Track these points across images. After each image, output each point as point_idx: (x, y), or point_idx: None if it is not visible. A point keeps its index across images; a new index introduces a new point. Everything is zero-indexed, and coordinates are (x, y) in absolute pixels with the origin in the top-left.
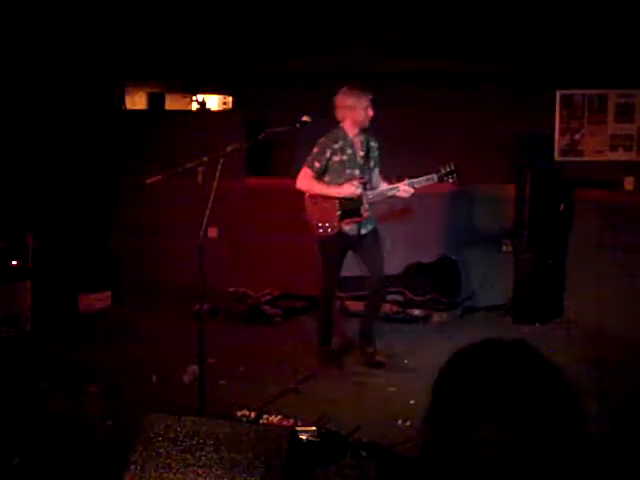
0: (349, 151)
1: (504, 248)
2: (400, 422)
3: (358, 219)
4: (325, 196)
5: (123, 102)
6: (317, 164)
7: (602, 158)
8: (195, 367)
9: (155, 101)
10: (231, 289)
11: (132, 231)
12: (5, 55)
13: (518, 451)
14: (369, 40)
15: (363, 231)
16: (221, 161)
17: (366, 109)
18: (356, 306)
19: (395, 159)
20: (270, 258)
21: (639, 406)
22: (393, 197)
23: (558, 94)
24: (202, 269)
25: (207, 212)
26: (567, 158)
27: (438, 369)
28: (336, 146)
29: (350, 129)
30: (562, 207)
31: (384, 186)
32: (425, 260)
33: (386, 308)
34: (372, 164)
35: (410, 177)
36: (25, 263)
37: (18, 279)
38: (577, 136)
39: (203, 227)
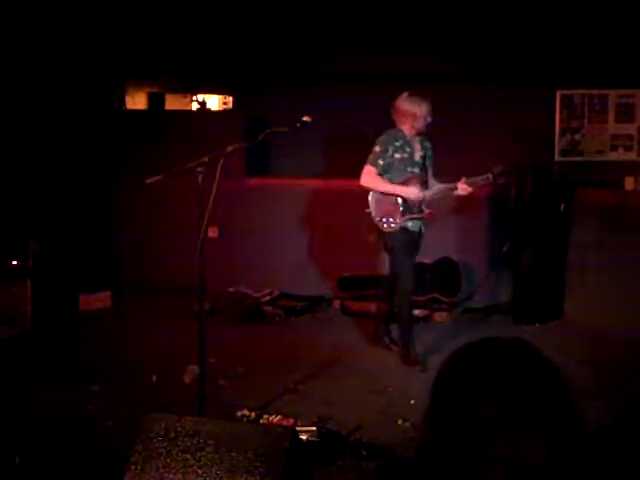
0: (408, 150)
1: (504, 248)
2: (400, 422)
3: (419, 216)
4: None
5: (123, 102)
6: (381, 162)
7: (602, 158)
8: (195, 367)
9: (155, 101)
10: (231, 289)
11: (132, 231)
12: (5, 56)
13: (518, 450)
14: (369, 40)
15: (423, 229)
16: (221, 161)
17: (426, 117)
18: (356, 306)
19: None
20: (270, 258)
21: (639, 406)
22: (449, 196)
23: (558, 94)
24: (202, 269)
25: (207, 212)
26: (567, 158)
27: (438, 369)
28: (397, 144)
29: (408, 130)
30: (562, 207)
31: (439, 185)
32: (426, 260)
33: (386, 308)
34: (428, 163)
35: (466, 177)
36: (25, 263)
37: (18, 279)
38: (577, 136)
39: (203, 227)
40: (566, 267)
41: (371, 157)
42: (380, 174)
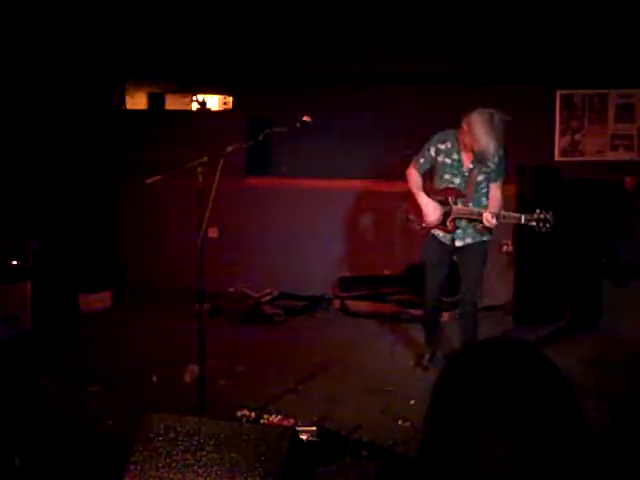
0: (455, 157)
1: (504, 248)
2: (400, 422)
3: (443, 228)
4: None
5: (123, 102)
6: (421, 160)
7: (602, 158)
8: (195, 367)
9: (155, 101)
10: (231, 289)
11: (132, 231)
12: (5, 56)
13: (520, 450)
14: (369, 41)
15: (458, 243)
16: (221, 161)
17: (479, 143)
18: (356, 306)
19: (395, 159)
20: (270, 258)
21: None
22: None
23: (558, 94)
24: (202, 269)
25: (207, 212)
26: (567, 158)
27: (440, 370)
28: (442, 147)
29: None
30: (562, 207)
31: (473, 208)
32: None
33: (386, 308)
34: (480, 178)
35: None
36: (25, 263)
37: (18, 279)
38: (577, 136)
39: (203, 227)
40: (566, 267)
41: (419, 153)
42: (420, 172)
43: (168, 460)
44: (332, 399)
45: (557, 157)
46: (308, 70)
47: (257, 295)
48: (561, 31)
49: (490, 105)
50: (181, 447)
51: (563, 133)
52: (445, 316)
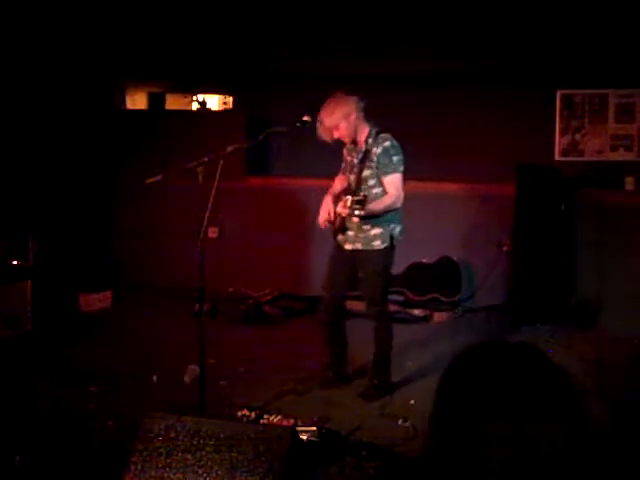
0: (353, 153)
1: (504, 248)
2: (400, 422)
3: (332, 228)
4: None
5: (123, 102)
6: (343, 163)
7: (602, 158)
8: (195, 367)
9: (155, 101)
10: (231, 289)
11: (132, 231)
12: (5, 56)
13: (526, 450)
14: (369, 41)
15: (348, 246)
16: (221, 161)
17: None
18: (356, 306)
19: None
20: (270, 258)
21: (639, 406)
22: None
23: (558, 94)
24: (202, 269)
25: (207, 212)
26: (567, 158)
27: (440, 368)
28: (350, 146)
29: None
30: (562, 207)
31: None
32: (425, 260)
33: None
34: (367, 173)
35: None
36: (25, 263)
37: (18, 279)
38: (577, 136)
39: (203, 227)
40: (566, 267)
41: (401, 166)
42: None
43: (168, 460)
44: (332, 399)
45: (557, 157)
46: (308, 70)
47: (257, 295)
48: (561, 31)
49: (490, 105)
50: (181, 447)
51: (563, 133)
52: (443, 316)
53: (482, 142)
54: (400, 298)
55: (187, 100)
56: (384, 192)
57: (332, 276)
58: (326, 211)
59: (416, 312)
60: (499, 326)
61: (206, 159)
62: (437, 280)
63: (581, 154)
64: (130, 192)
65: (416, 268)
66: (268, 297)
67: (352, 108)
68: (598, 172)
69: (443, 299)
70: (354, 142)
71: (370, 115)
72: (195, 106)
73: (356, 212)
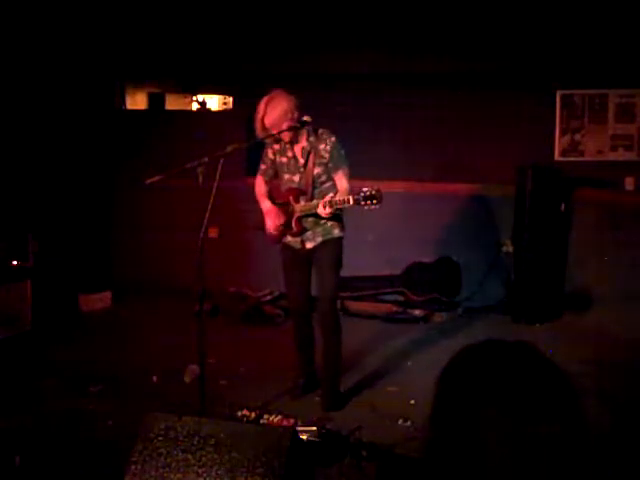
0: (289, 154)
1: (504, 248)
2: (400, 422)
3: (289, 232)
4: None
5: (123, 102)
6: (262, 165)
7: (602, 158)
8: (195, 367)
9: (155, 101)
10: (231, 289)
11: (132, 231)
12: (5, 56)
13: (525, 450)
14: (369, 41)
15: (309, 245)
16: (221, 161)
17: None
18: (356, 306)
19: (395, 159)
20: (270, 258)
21: (639, 406)
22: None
23: (558, 94)
24: (202, 269)
25: (207, 212)
26: (567, 158)
27: (440, 368)
28: (277, 146)
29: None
30: (563, 207)
31: (312, 202)
32: (425, 260)
33: (386, 308)
34: (318, 170)
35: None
36: (25, 263)
37: (18, 279)
38: (577, 136)
39: (203, 227)
40: (566, 267)
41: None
42: (265, 179)
43: (168, 460)
44: None
45: (557, 157)
46: (308, 70)
47: (257, 295)
48: (561, 31)
49: (490, 105)
50: (181, 447)
51: (563, 133)
52: (443, 316)
53: (482, 142)
54: (400, 298)
55: (187, 100)
56: (333, 186)
57: (294, 286)
58: (276, 218)
59: (416, 312)
60: (499, 326)
61: (206, 159)
62: (437, 280)
63: (581, 154)
64: (130, 192)
65: (416, 268)
66: (268, 297)
67: (292, 106)
68: (598, 172)
69: (443, 299)
70: (291, 141)
71: (306, 111)
72: (195, 106)
73: (372, 207)
